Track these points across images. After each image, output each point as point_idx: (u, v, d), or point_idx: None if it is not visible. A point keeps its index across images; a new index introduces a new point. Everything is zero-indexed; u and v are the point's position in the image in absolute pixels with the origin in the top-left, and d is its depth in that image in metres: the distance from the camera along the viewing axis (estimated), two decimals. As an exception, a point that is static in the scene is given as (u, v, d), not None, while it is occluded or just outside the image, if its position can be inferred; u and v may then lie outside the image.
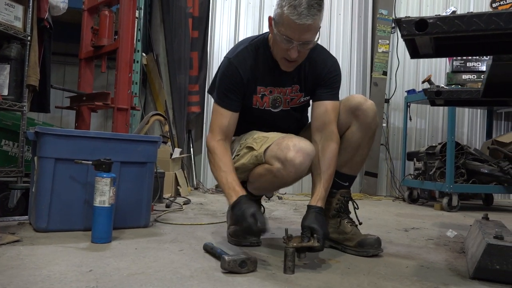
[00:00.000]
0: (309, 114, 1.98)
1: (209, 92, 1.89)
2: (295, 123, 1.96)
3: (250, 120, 1.86)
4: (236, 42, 1.92)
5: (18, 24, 2.33)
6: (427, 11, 5.21)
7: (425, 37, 1.27)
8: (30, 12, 2.36)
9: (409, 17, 1.25)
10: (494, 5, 4.61)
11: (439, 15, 1.23)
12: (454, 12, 1.30)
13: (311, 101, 1.88)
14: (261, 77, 1.77)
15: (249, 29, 4.76)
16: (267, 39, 1.77)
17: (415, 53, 1.44)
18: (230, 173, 1.68)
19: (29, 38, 2.37)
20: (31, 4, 2.36)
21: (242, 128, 1.88)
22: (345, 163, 1.84)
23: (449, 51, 1.47)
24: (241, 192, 1.62)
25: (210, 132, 1.79)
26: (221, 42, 4.72)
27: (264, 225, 1.49)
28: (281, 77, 1.78)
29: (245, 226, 1.50)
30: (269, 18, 1.66)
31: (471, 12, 1.19)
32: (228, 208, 2.03)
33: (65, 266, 1.39)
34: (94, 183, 1.78)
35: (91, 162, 1.83)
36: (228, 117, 1.76)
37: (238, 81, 1.74)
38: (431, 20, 1.20)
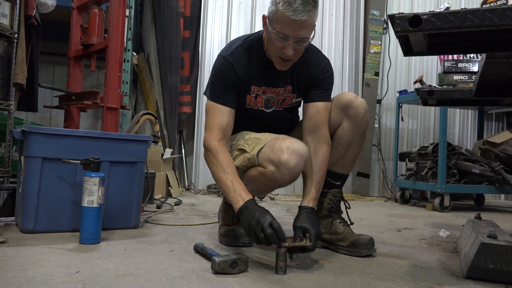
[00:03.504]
0: (299, 114, 1.95)
1: (205, 93, 1.84)
2: (287, 122, 1.93)
3: (242, 120, 1.82)
4: (228, 42, 1.89)
5: (5, 21, 2.28)
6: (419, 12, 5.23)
7: (419, 33, 1.26)
8: (17, 9, 2.32)
9: (402, 13, 1.23)
10: (485, 6, 4.63)
11: (433, 11, 1.21)
12: (448, 8, 1.29)
13: (302, 102, 1.86)
14: (255, 77, 1.74)
15: (241, 29, 4.74)
16: (261, 37, 1.74)
17: (408, 50, 1.42)
18: (234, 175, 1.58)
19: (16, 35, 2.33)
20: (18, 1, 2.32)
21: (234, 128, 1.84)
22: (336, 161, 1.82)
23: (443, 48, 1.46)
24: (247, 196, 1.53)
25: (208, 131, 1.70)
26: (213, 42, 4.69)
27: (284, 237, 1.41)
28: (274, 77, 1.75)
29: (261, 238, 1.42)
30: (263, 16, 1.63)
31: (465, 8, 1.18)
32: (220, 208, 2.01)
33: (51, 268, 1.35)
34: (83, 183, 1.74)
35: (79, 162, 1.79)
36: (227, 114, 1.69)
37: (234, 78, 1.69)
38: (425, 16, 1.19)
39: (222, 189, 1.61)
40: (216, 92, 1.70)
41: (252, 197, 1.54)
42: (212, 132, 1.67)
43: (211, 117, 1.70)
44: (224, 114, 1.69)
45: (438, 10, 1.22)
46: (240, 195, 1.53)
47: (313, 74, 1.77)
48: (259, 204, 1.54)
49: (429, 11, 1.20)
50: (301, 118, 1.91)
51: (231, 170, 1.59)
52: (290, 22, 1.50)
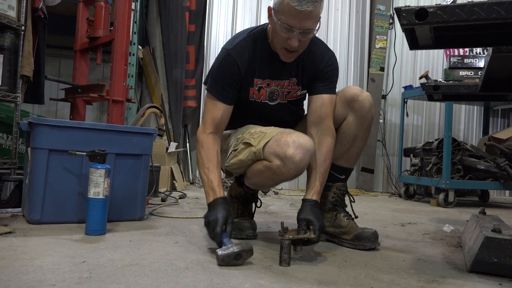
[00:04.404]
0: (304, 107, 1.95)
1: (204, 83, 1.86)
2: (292, 115, 1.93)
3: (246, 113, 1.83)
4: (233, 35, 1.91)
5: (12, 14, 2.29)
6: (425, 7, 5.20)
7: (425, 27, 1.26)
8: (24, 2, 2.33)
9: (409, 6, 1.23)
10: None
11: (440, 4, 1.21)
12: (454, 1, 1.28)
13: (307, 94, 1.86)
14: (258, 70, 1.74)
15: (246, 23, 4.73)
16: (265, 30, 1.74)
17: (414, 44, 1.42)
18: (212, 170, 1.66)
19: (23, 27, 2.33)
20: (25, -6, 2.33)
21: (238, 122, 1.85)
22: (341, 156, 1.82)
23: (449, 42, 1.45)
24: (218, 193, 1.61)
25: (202, 124, 1.76)
26: (218, 36, 4.69)
27: (219, 242, 1.48)
28: (279, 69, 1.76)
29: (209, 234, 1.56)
30: (269, 8, 1.63)
31: (472, 1, 1.17)
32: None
33: (58, 257, 1.37)
34: (89, 175, 1.75)
35: (85, 153, 1.80)
36: (222, 110, 1.73)
37: (235, 73, 1.71)
38: (431, 9, 1.19)
39: (202, 183, 1.73)
40: (215, 86, 1.73)
41: (222, 195, 1.62)
42: (204, 126, 1.74)
43: (206, 110, 1.76)
44: (219, 110, 1.73)
45: (444, 3, 1.22)
46: (212, 190, 1.63)
47: (318, 66, 1.77)
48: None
49: (436, 4, 1.20)
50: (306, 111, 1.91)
51: (210, 164, 1.67)
52: (295, 12, 1.50)
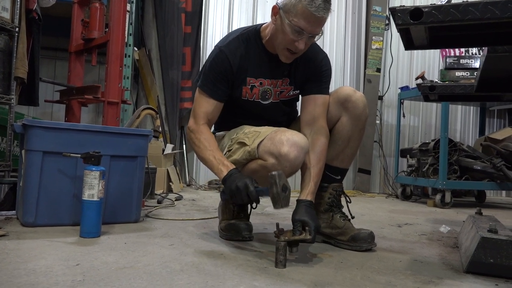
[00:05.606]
0: (298, 108, 1.95)
1: (196, 81, 1.87)
2: (285, 116, 1.93)
3: (240, 112, 1.84)
4: (226, 34, 1.91)
5: (6, 15, 2.28)
6: (421, 8, 5.21)
7: (420, 27, 1.25)
8: (18, 3, 2.32)
9: (403, 6, 1.23)
10: None
11: (434, 4, 1.21)
12: (449, 1, 1.29)
13: (300, 95, 1.86)
14: (251, 68, 1.75)
15: (242, 24, 4.72)
16: (259, 30, 1.76)
17: (409, 44, 1.41)
18: (216, 151, 1.69)
19: (17, 29, 2.32)
20: (19, -5, 2.32)
21: (232, 122, 1.85)
22: (336, 156, 1.82)
23: (444, 42, 1.45)
24: (230, 166, 1.62)
25: (193, 118, 1.76)
26: (214, 38, 4.68)
27: (257, 198, 1.51)
28: (272, 69, 1.76)
29: (239, 199, 1.53)
30: (275, 7, 1.63)
31: (467, 1, 1.17)
32: (220, 202, 2.01)
33: (51, 260, 1.36)
34: (83, 177, 1.74)
35: (79, 155, 1.79)
36: (213, 106, 1.74)
37: (227, 70, 1.72)
38: (426, 9, 1.18)
39: (207, 166, 1.70)
40: (207, 83, 1.74)
41: (234, 167, 1.62)
42: (197, 119, 1.75)
43: (198, 105, 1.76)
44: (210, 105, 1.74)
45: (439, 3, 1.22)
46: (223, 165, 1.62)
47: (311, 67, 1.78)
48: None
49: (431, 4, 1.20)
50: (299, 112, 1.91)
51: (213, 147, 1.69)
52: (311, 17, 1.52)
